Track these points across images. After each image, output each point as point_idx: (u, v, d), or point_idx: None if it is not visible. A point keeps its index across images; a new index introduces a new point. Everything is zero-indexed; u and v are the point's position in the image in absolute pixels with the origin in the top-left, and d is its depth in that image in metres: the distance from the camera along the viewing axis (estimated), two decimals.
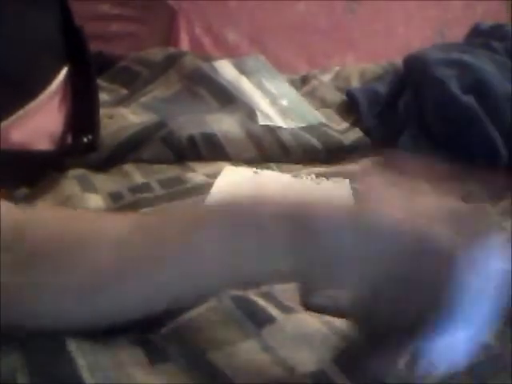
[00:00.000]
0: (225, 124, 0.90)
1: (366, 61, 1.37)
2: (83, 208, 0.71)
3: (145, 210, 0.72)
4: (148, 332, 0.52)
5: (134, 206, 0.73)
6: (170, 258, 0.47)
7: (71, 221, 0.51)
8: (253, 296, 0.56)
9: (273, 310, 0.54)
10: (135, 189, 0.77)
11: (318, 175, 0.83)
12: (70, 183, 0.77)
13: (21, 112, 0.71)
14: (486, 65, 0.92)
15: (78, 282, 0.46)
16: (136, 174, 0.80)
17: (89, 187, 0.77)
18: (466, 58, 0.94)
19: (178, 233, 0.47)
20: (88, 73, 0.82)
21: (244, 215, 0.46)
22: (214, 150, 0.86)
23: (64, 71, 0.79)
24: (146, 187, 0.77)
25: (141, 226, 0.49)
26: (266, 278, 0.48)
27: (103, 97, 0.99)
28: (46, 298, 0.47)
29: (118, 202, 0.75)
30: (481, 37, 1.07)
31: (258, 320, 0.53)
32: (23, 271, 0.46)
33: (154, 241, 0.47)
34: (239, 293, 0.56)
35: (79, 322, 0.48)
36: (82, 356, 0.46)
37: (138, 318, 0.48)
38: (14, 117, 0.70)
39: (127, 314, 0.48)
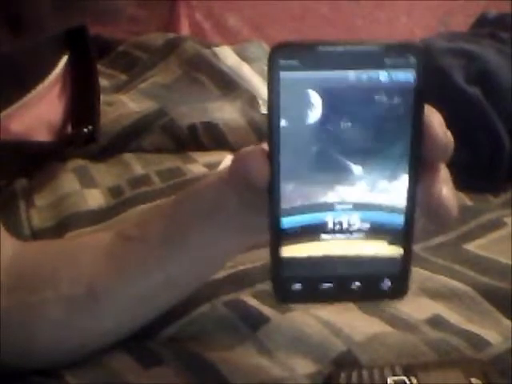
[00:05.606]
0: (226, 112, 0.89)
1: None
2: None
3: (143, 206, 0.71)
4: (143, 339, 0.51)
5: (133, 202, 0.72)
6: None
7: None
8: (245, 297, 0.55)
9: (267, 310, 0.53)
10: (135, 182, 0.76)
11: None
12: (69, 178, 0.76)
13: (20, 102, 0.70)
14: (492, 55, 0.90)
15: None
16: (136, 165, 0.80)
17: (88, 182, 0.76)
18: (472, 47, 0.92)
19: None
20: (88, 62, 0.81)
21: None
22: (215, 139, 0.86)
23: (64, 60, 0.78)
24: (145, 180, 0.76)
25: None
26: None
27: (102, 82, 0.97)
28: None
29: (117, 198, 0.74)
30: (487, 26, 1.05)
31: (252, 322, 0.52)
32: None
33: None
34: (231, 296, 0.55)
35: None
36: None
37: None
38: (13, 107, 0.69)
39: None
